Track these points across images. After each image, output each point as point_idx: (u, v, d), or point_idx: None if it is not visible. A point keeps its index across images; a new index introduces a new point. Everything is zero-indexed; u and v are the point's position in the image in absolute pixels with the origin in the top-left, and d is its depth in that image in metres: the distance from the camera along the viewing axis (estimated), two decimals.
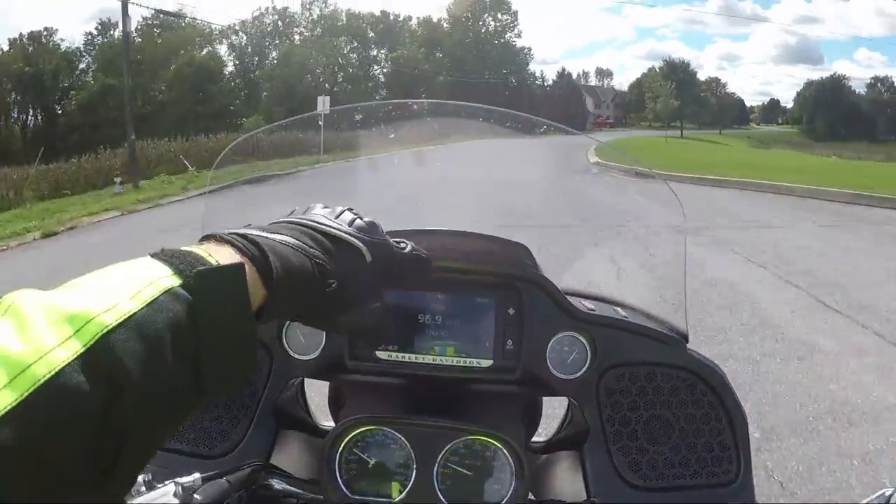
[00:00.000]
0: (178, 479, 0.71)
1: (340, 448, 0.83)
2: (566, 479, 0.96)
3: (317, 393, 1.11)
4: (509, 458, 0.81)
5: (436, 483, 0.81)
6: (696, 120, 70.70)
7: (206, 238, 0.51)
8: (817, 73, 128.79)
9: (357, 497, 0.82)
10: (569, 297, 0.94)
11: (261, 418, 0.93)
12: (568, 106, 68.35)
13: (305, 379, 1.01)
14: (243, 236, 0.51)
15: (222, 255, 0.47)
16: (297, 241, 0.56)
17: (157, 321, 0.39)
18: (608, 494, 0.88)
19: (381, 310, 0.67)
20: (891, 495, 0.64)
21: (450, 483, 0.82)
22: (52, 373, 0.34)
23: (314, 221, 0.61)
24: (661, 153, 27.38)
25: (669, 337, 0.94)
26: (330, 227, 0.61)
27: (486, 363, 0.92)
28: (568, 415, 1.08)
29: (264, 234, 0.53)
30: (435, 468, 0.82)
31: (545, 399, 1.05)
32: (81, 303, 0.38)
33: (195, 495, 0.71)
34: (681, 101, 61.82)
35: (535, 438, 1.07)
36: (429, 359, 0.92)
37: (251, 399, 0.93)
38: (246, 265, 0.48)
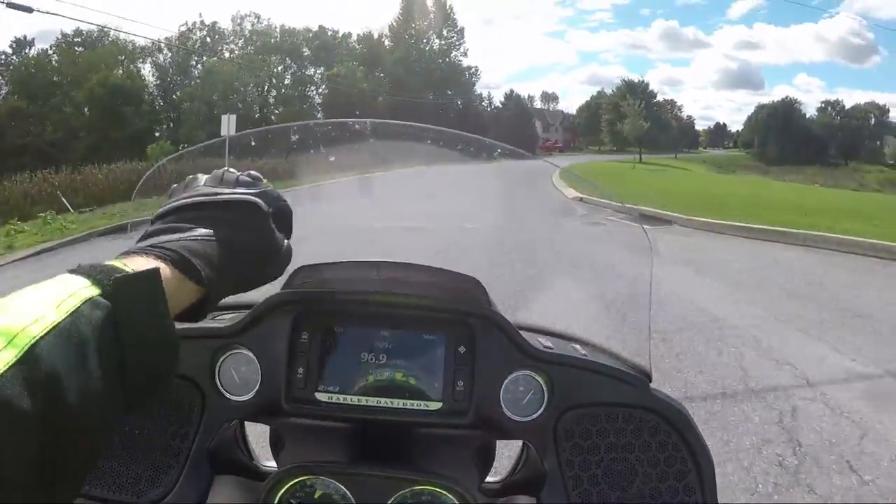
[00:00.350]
0: None
1: (276, 500, 0.77)
2: None
3: (260, 430, 1.02)
4: None
5: None
6: (652, 144, 68.29)
7: (123, 255, 0.53)
8: (758, 98, 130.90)
9: None
10: (524, 333, 0.90)
11: (193, 463, 0.86)
12: (517, 129, 61.85)
13: None
14: (155, 245, 0.54)
15: (137, 264, 0.50)
16: (203, 230, 0.58)
17: (81, 329, 0.41)
18: None
19: (291, 248, 0.71)
20: None
21: None
22: None
23: (204, 195, 0.62)
24: (639, 183, 22.76)
25: (632, 376, 0.89)
26: (222, 193, 0.63)
27: (435, 406, 0.86)
28: (523, 454, 1.03)
29: (174, 238, 0.56)
30: None
31: None
32: (7, 318, 0.39)
33: None
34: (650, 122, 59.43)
35: (489, 478, 1.01)
36: (372, 401, 0.86)
37: (183, 443, 0.87)
38: (168, 269, 0.51)
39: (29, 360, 0.37)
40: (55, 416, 0.38)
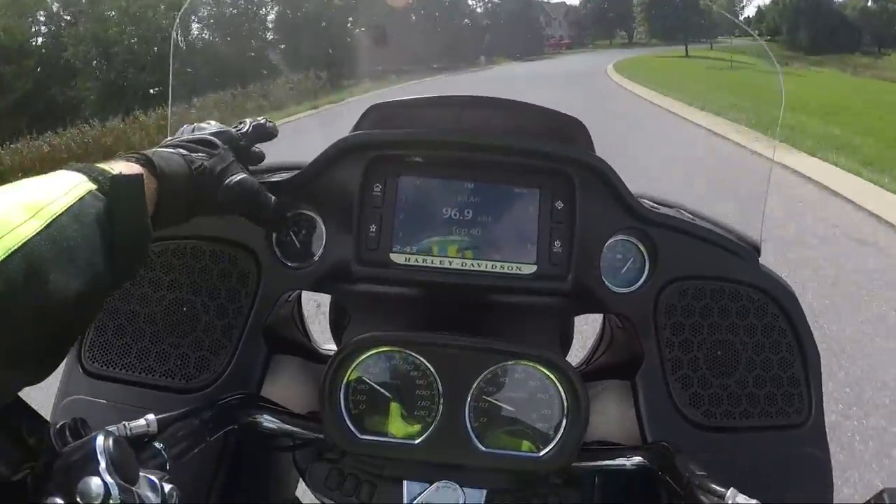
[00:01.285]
0: (128, 424, 0.56)
1: (346, 376, 0.67)
2: (613, 413, 0.83)
3: (316, 311, 0.97)
4: (561, 389, 0.67)
5: (468, 421, 0.66)
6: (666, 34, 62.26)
7: (106, 160, 0.60)
8: None
9: (367, 438, 0.67)
10: None
11: (248, 342, 0.77)
12: (521, 26, 54.80)
13: (303, 294, 0.88)
14: (135, 153, 0.62)
15: (122, 167, 0.58)
16: (172, 150, 0.67)
17: (86, 213, 0.50)
18: (665, 433, 0.75)
19: (248, 180, 0.71)
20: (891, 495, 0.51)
21: (485, 421, 0.67)
22: (19, 244, 0.43)
23: (179, 138, 0.71)
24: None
25: (740, 247, 0.80)
26: (187, 137, 0.71)
27: (529, 269, 0.76)
28: (604, 334, 0.96)
29: (149, 151, 0.64)
30: (467, 402, 0.67)
31: None
32: (28, 195, 0.47)
33: (155, 443, 0.55)
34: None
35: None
36: (456, 263, 0.76)
37: (237, 319, 0.78)
38: (140, 169, 0.59)
39: (51, 231, 0.46)
40: (63, 282, 0.46)
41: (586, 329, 1.07)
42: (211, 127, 0.75)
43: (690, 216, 0.84)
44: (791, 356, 0.78)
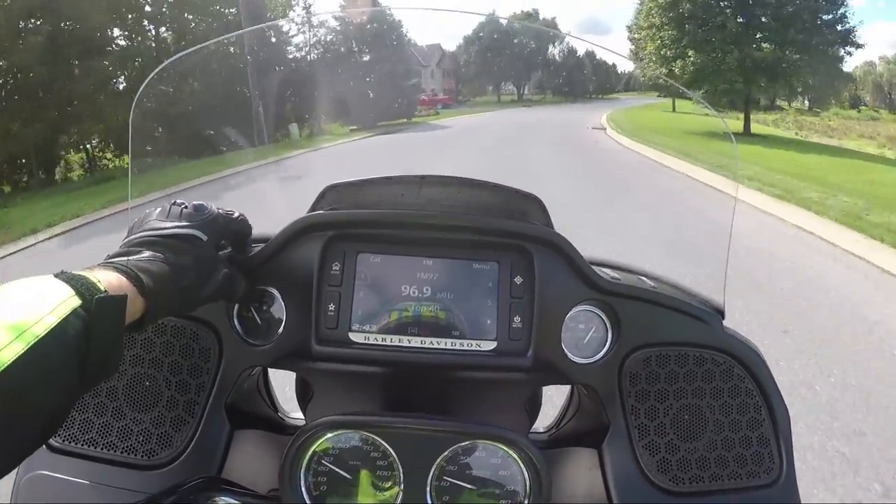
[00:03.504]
0: None
1: (306, 459, 0.66)
2: (581, 481, 0.82)
3: (287, 380, 0.92)
4: (522, 466, 0.66)
5: (429, 500, 0.66)
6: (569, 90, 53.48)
7: (90, 268, 0.60)
8: None
9: None
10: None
11: (211, 418, 0.77)
12: (391, 75, 23.60)
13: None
14: (121, 263, 0.62)
15: (106, 278, 0.58)
16: (153, 253, 0.66)
17: (68, 334, 0.50)
18: (633, 501, 0.75)
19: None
20: None
21: (447, 500, 0.67)
22: (1, 368, 0.44)
23: (154, 229, 0.69)
24: None
25: (704, 312, 0.81)
26: (167, 228, 0.69)
27: (489, 345, 0.76)
28: (571, 401, 0.96)
29: (133, 259, 0.64)
30: (428, 482, 0.66)
31: None
32: (15, 313, 0.48)
33: None
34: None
35: (533, 429, 0.92)
36: (415, 341, 0.76)
37: (199, 395, 0.77)
38: (125, 283, 0.59)
39: (32, 354, 0.46)
40: (37, 399, 0.48)
41: (557, 393, 1.09)
42: (194, 211, 0.73)
43: (652, 283, 0.85)
44: (759, 416, 0.78)
